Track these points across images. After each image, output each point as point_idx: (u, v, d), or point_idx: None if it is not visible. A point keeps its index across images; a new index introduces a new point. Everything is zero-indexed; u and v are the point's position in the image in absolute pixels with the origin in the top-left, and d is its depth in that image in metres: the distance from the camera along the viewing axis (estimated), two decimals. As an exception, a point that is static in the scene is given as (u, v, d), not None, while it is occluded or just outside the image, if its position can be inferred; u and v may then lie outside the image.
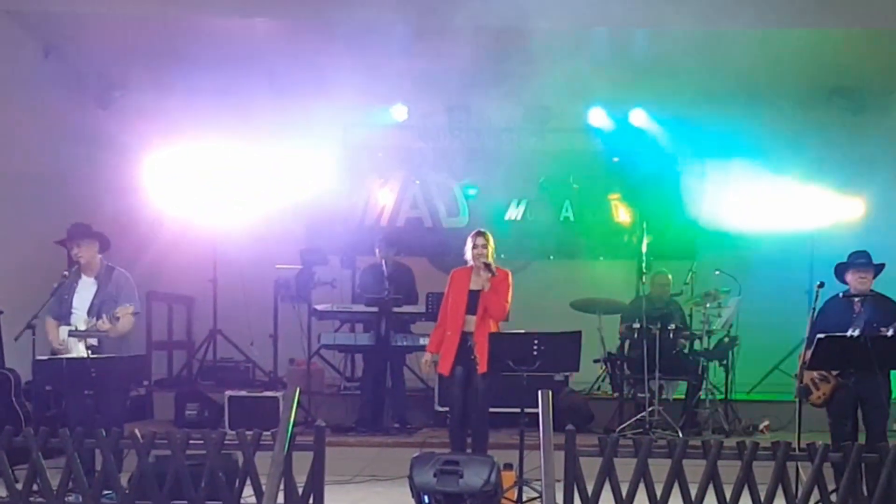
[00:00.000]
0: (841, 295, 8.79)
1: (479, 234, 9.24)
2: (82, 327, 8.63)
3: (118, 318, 8.50)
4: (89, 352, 8.38)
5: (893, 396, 8.72)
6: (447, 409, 11.03)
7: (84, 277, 8.83)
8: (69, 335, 8.60)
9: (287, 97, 12.27)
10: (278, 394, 10.91)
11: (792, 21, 10.93)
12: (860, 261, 8.75)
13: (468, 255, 9.19)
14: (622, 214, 13.70)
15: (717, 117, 12.29)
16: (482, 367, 8.89)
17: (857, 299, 8.68)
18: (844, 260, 8.89)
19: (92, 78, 12.83)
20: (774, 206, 12.47)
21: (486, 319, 9.13)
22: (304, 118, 12.21)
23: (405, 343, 11.15)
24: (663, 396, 10.94)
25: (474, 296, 9.16)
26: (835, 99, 12.83)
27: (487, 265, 9.05)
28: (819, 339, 8.12)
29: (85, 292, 8.79)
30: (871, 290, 8.71)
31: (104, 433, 7.39)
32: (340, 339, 11.72)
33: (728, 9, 10.58)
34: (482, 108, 13.34)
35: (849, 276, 8.77)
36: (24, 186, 11.34)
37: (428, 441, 10.31)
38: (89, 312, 8.69)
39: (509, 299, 9.27)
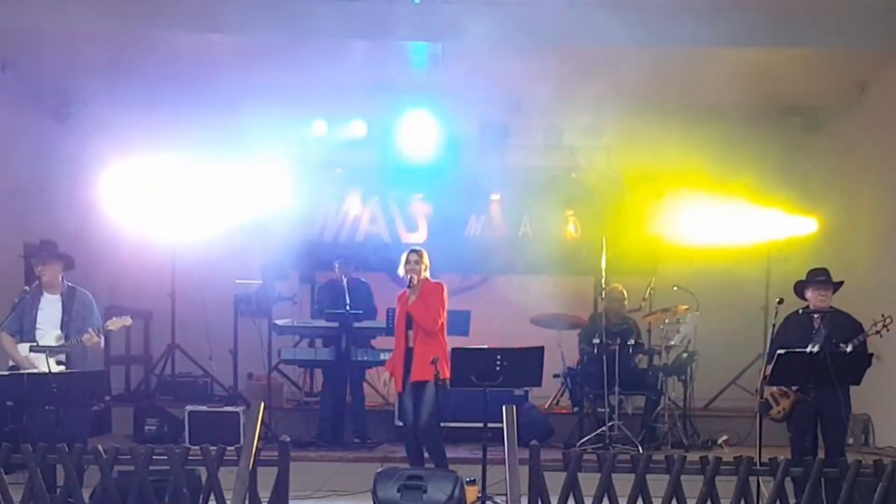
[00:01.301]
0: (800, 311, 8.92)
1: (412, 251, 9.55)
2: (52, 343, 8.65)
3: (109, 330, 8.76)
4: (62, 367, 8.40)
5: (852, 411, 8.85)
6: (406, 423, 11.12)
7: (47, 294, 8.91)
8: (30, 350, 8.60)
9: (245, 113, 12.22)
10: (238, 408, 10.91)
11: (745, 41, 11.07)
12: (820, 278, 8.88)
13: (400, 270, 9.46)
14: (581, 230, 13.75)
15: (671, 133, 12.39)
16: (415, 375, 9.18)
17: (816, 315, 8.81)
18: (800, 276, 9.05)
19: (49, 92, 12.72)
20: (730, 222, 12.58)
21: (420, 332, 9.34)
22: (262, 134, 12.20)
23: (365, 358, 11.17)
24: (623, 411, 11.01)
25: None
26: (789, 117, 13.01)
27: (409, 281, 9.34)
28: (779, 354, 8.25)
29: (50, 310, 8.87)
30: (831, 307, 8.84)
31: (67, 448, 7.36)
32: (300, 354, 11.71)
33: (679, 27, 10.75)
34: (441, 124, 13.38)
35: (808, 293, 8.91)
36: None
37: (389, 456, 10.33)
38: (62, 329, 8.75)
39: (441, 311, 9.45)
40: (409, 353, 9.38)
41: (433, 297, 9.38)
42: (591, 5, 10.56)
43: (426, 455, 9.45)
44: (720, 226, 12.45)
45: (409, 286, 9.42)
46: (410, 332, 9.39)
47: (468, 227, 14.01)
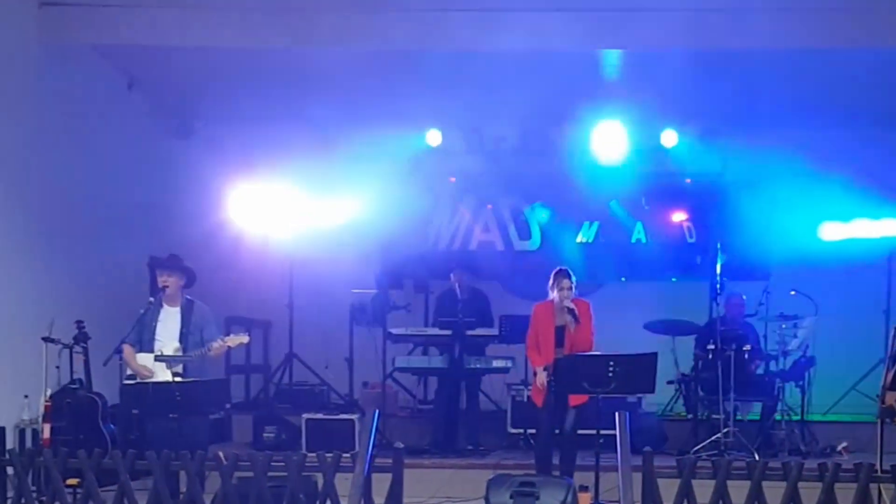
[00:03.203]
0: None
1: (565, 275, 9.57)
2: (169, 354, 8.90)
3: (225, 343, 8.97)
4: (178, 377, 8.64)
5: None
6: (520, 431, 11.17)
7: (166, 307, 9.15)
8: (155, 360, 8.87)
9: (362, 124, 12.47)
10: (354, 416, 11.08)
11: (871, 41, 10.84)
12: None
13: (553, 295, 9.54)
14: (695, 235, 13.64)
15: (788, 135, 12.23)
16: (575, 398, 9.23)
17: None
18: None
19: (173, 109, 13.11)
20: (849, 223, 12.38)
21: (574, 351, 9.42)
22: (378, 144, 12.41)
23: (479, 366, 11.23)
24: (738, 418, 10.89)
25: (560, 331, 9.54)
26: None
27: (571, 310, 9.38)
28: (900, 358, 8.06)
29: (169, 322, 9.10)
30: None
31: (189, 455, 7.57)
32: (414, 362, 11.84)
33: (799, 28, 10.58)
34: (554, 131, 13.42)
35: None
36: (107, 215, 11.60)
37: (502, 463, 10.36)
38: (181, 341, 9.00)
39: (592, 329, 9.59)
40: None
41: (585, 318, 9.52)
42: (716, 10, 10.47)
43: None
44: (838, 228, 12.26)
45: (574, 319, 9.42)
46: (560, 350, 9.48)
47: (581, 233, 14.00)
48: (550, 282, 9.60)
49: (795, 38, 10.52)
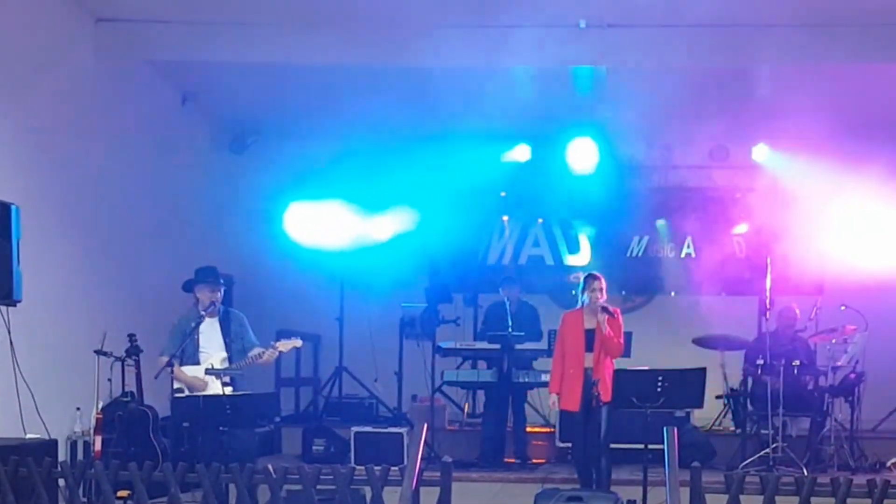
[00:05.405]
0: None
1: (595, 277, 9.61)
2: (218, 366, 9.00)
3: (277, 349, 9.03)
4: (228, 388, 8.73)
5: None
6: (569, 444, 11.15)
7: (206, 318, 9.23)
8: (206, 373, 8.97)
9: (412, 140, 12.54)
10: (402, 429, 11.12)
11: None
12: None
13: (585, 297, 9.56)
14: (745, 249, 13.58)
15: (839, 150, 12.16)
16: (605, 397, 9.21)
17: None
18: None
19: (227, 124, 13.28)
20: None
21: (604, 355, 9.41)
22: (430, 158, 12.48)
23: (527, 379, 11.25)
24: (787, 433, 10.83)
25: (590, 334, 9.51)
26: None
27: (605, 308, 9.39)
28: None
29: (211, 333, 9.22)
30: None
31: (239, 468, 7.65)
32: (463, 375, 11.86)
33: (846, 43, 10.56)
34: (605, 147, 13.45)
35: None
36: (160, 229, 11.77)
37: (549, 477, 10.36)
38: (227, 350, 9.11)
39: (622, 335, 9.59)
40: (586, 373, 9.45)
41: (618, 323, 9.54)
42: (760, 24, 10.47)
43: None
44: (890, 242, 12.17)
45: (610, 315, 9.46)
46: (589, 355, 9.49)
47: (631, 248, 13.99)
48: (581, 286, 9.65)
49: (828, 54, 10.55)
